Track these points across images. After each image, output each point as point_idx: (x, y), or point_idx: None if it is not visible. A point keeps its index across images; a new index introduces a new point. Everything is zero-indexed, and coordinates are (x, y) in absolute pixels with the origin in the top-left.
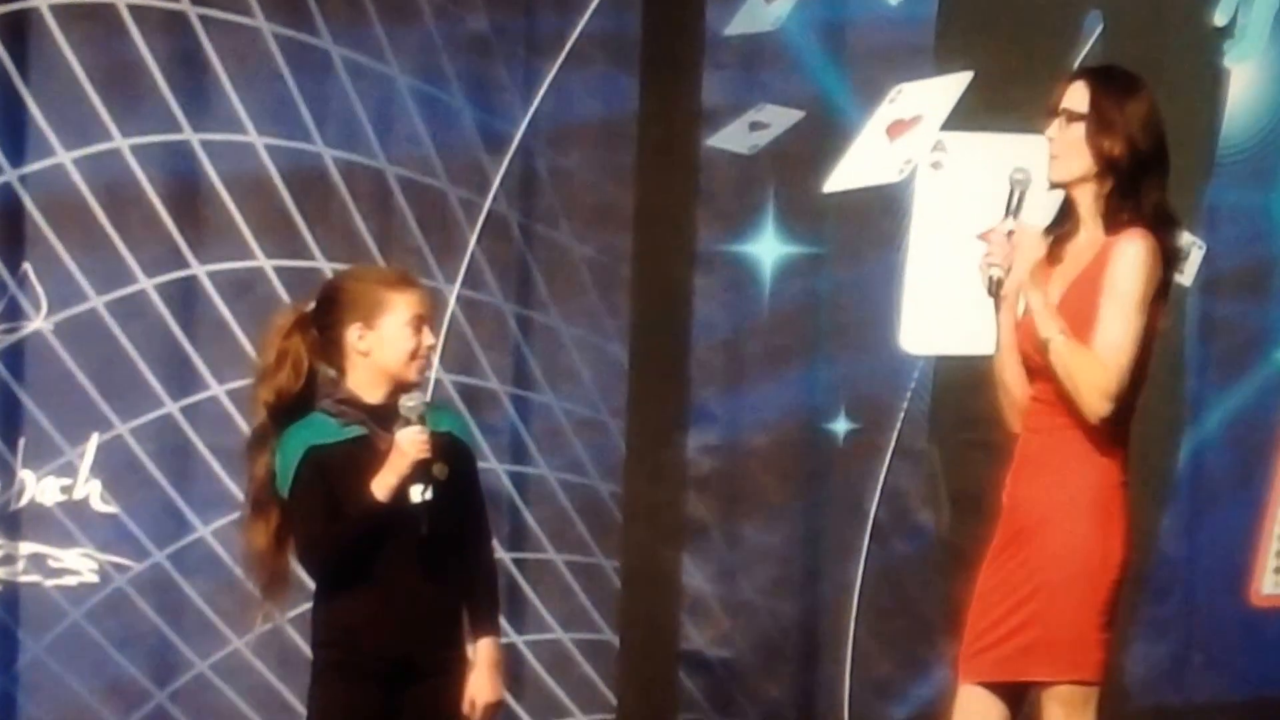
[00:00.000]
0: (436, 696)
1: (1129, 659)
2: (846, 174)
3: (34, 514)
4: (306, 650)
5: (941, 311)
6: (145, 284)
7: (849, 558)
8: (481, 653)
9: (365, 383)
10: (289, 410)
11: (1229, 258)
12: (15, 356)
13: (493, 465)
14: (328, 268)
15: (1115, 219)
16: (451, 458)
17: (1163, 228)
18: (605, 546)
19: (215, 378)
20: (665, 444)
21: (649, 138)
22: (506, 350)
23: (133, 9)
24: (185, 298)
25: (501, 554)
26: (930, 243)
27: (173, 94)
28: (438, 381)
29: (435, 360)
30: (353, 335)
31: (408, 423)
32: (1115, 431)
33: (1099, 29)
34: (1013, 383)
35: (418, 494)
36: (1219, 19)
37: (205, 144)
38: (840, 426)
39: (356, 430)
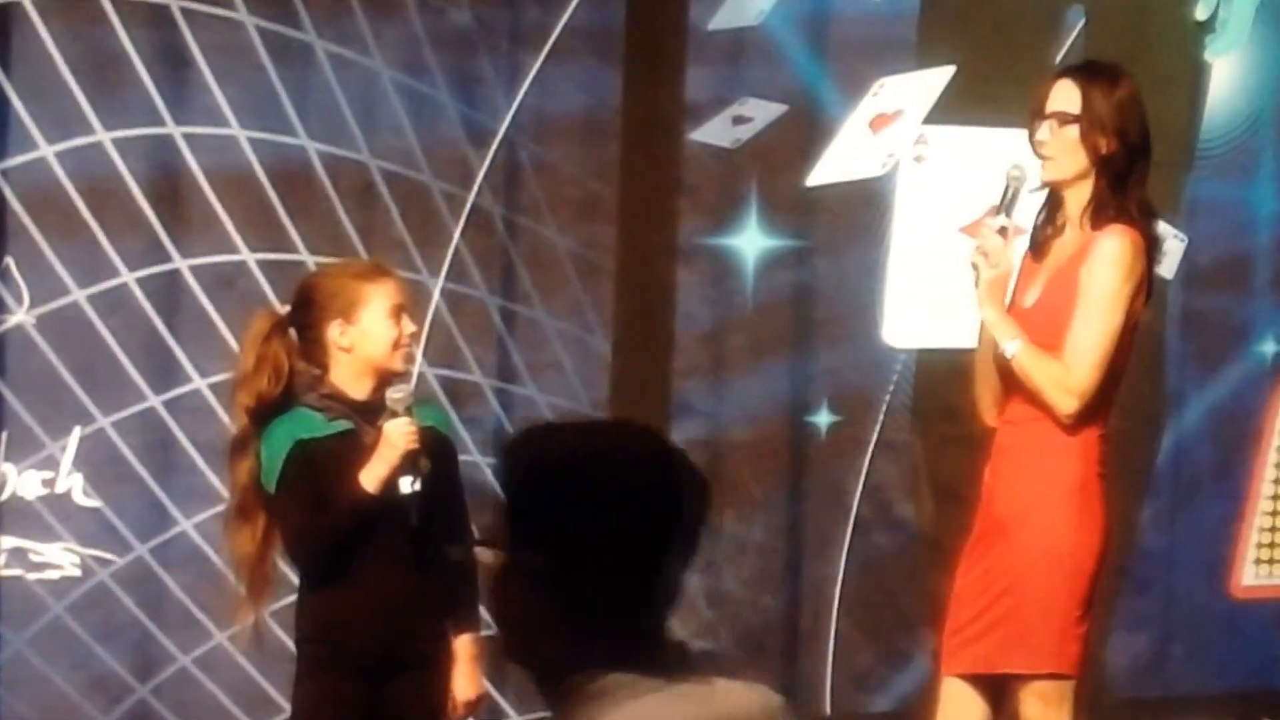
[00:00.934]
0: (421, 689)
1: (1109, 650)
2: (829, 168)
3: (15, 508)
4: (289, 644)
5: (924, 305)
6: (127, 277)
7: (831, 550)
8: (462, 649)
9: (349, 378)
10: (269, 413)
11: (1210, 251)
12: None
13: (475, 458)
14: (311, 261)
15: (1102, 214)
16: (433, 452)
17: (1144, 220)
18: None
19: (198, 371)
20: None
21: (632, 131)
22: (490, 343)
23: (115, 1)
24: (168, 291)
25: None
26: (913, 236)
27: (155, 87)
28: (421, 375)
29: (419, 348)
30: (334, 333)
31: (394, 415)
32: (1092, 423)
33: (1081, 23)
34: (994, 376)
35: (407, 485)
36: (1200, 13)
37: (188, 137)
38: (823, 419)
39: (343, 425)
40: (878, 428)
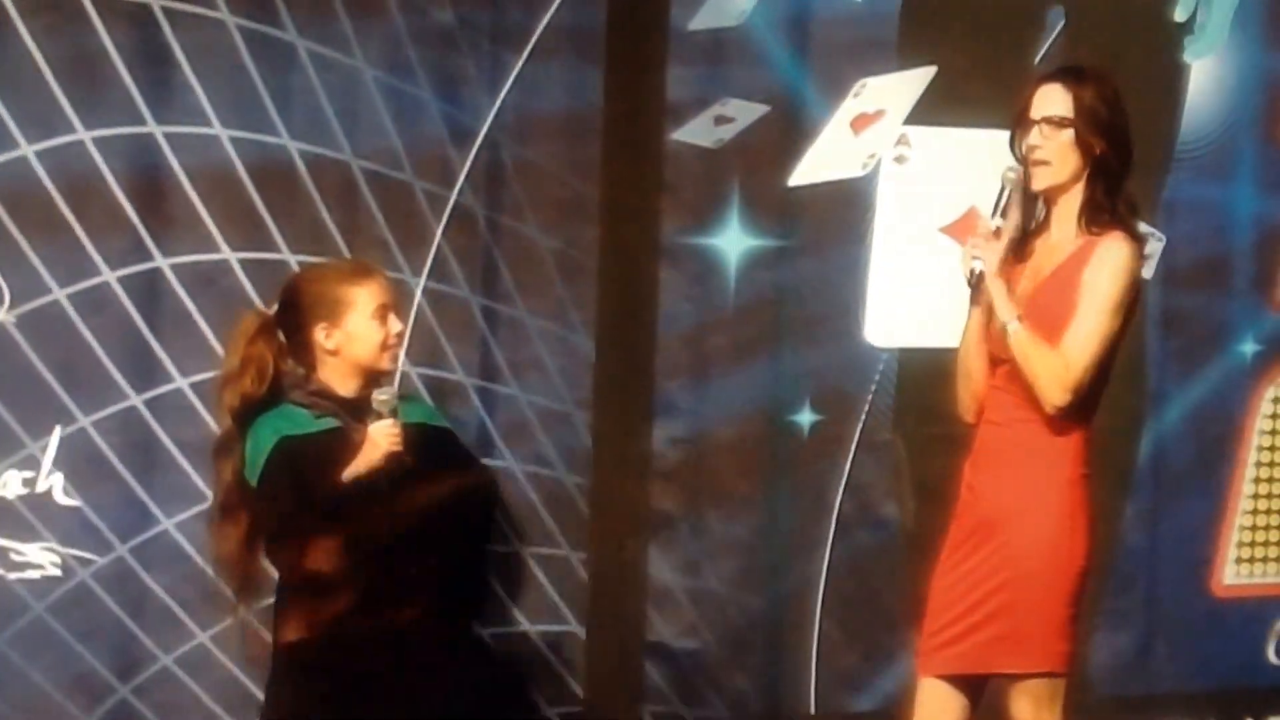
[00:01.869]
0: (400, 690)
1: (1092, 649)
2: (811, 168)
3: None
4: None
5: (906, 304)
6: (109, 276)
7: (814, 549)
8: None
9: (336, 378)
10: (254, 412)
11: (1189, 251)
12: None
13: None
14: (293, 260)
15: (1097, 217)
16: (429, 444)
17: (1133, 220)
18: (571, 539)
19: (179, 370)
20: (631, 436)
21: (614, 131)
22: (472, 343)
23: (96, 0)
24: (149, 290)
25: None
26: (894, 236)
27: (136, 86)
28: (404, 374)
29: (403, 346)
30: (319, 335)
31: (379, 416)
32: (1077, 424)
33: (1061, 24)
34: (976, 373)
35: (388, 486)
36: (1179, 15)
37: (169, 136)
38: (805, 418)
39: (330, 422)
40: (860, 427)
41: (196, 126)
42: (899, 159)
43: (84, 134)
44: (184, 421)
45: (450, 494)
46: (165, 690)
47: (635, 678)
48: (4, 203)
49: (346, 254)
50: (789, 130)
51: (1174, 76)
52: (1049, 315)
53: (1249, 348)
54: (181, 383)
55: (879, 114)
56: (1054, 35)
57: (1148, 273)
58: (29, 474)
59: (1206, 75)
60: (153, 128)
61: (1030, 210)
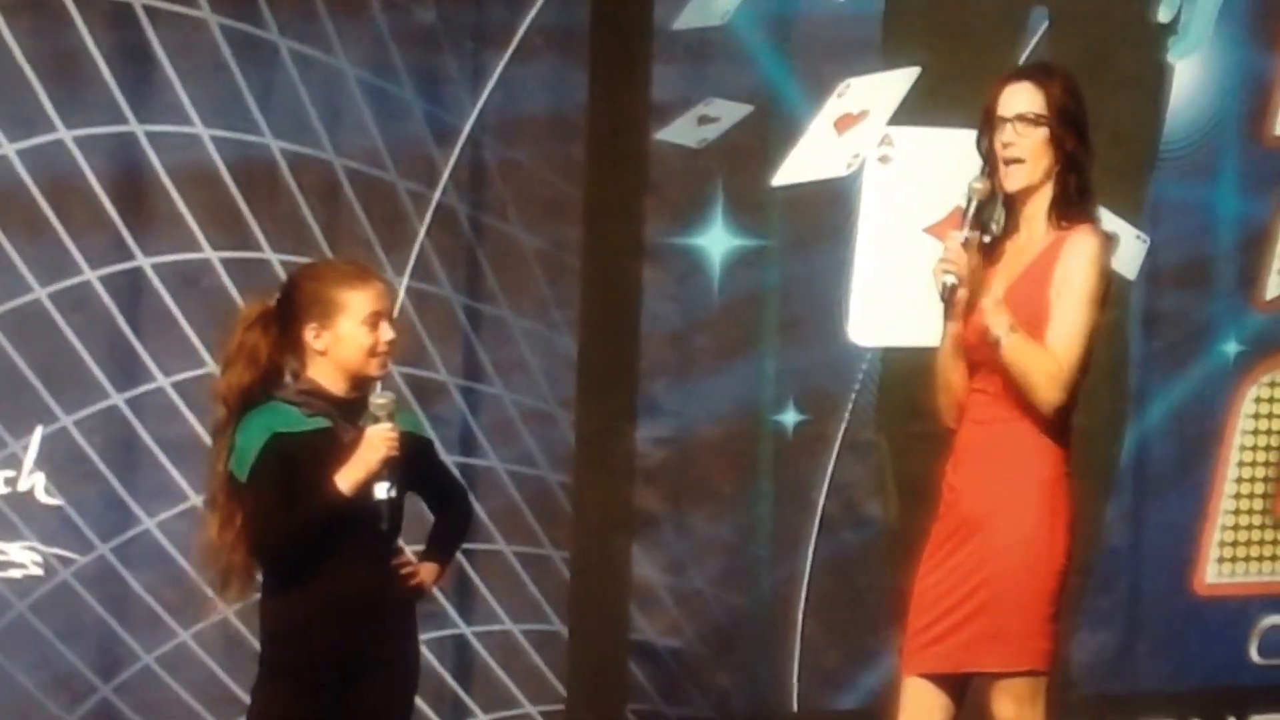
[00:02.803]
0: (385, 689)
1: (1074, 648)
2: (795, 168)
3: None
4: (254, 643)
5: (889, 304)
6: (90, 275)
7: (798, 548)
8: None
9: (326, 378)
10: (246, 402)
11: (1172, 251)
12: None
13: (442, 457)
14: (275, 260)
15: (1067, 212)
16: (413, 454)
17: (1099, 217)
18: (555, 537)
19: (161, 370)
20: (614, 435)
21: (598, 131)
22: (456, 342)
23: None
24: (131, 289)
25: None
26: (878, 236)
27: (118, 85)
28: (388, 375)
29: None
30: (309, 335)
31: (377, 420)
32: (1059, 423)
33: (1044, 25)
34: (955, 381)
35: (382, 491)
36: (1163, 15)
37: (151, 135)
38: (789, 418)
39: (321, 421)
40: (843, 426)
41: (178, 126)
42: (882, 159)
43: (65, 133)
44: (166, 420)
45: None
46: (147, 689)
47: (618, 676)
48: None
49: (329, 253)
50: (773, 130)
51: (1157, 77)
52: (1024, 313)
53: (1232, 348)
54: (163, 382)
55: (863, 114)
56: (1037, 36)
57: (1131, 273)
58: (10, 473)
59: (1190, 75)
60: (134, 127)
61: (994, 212)
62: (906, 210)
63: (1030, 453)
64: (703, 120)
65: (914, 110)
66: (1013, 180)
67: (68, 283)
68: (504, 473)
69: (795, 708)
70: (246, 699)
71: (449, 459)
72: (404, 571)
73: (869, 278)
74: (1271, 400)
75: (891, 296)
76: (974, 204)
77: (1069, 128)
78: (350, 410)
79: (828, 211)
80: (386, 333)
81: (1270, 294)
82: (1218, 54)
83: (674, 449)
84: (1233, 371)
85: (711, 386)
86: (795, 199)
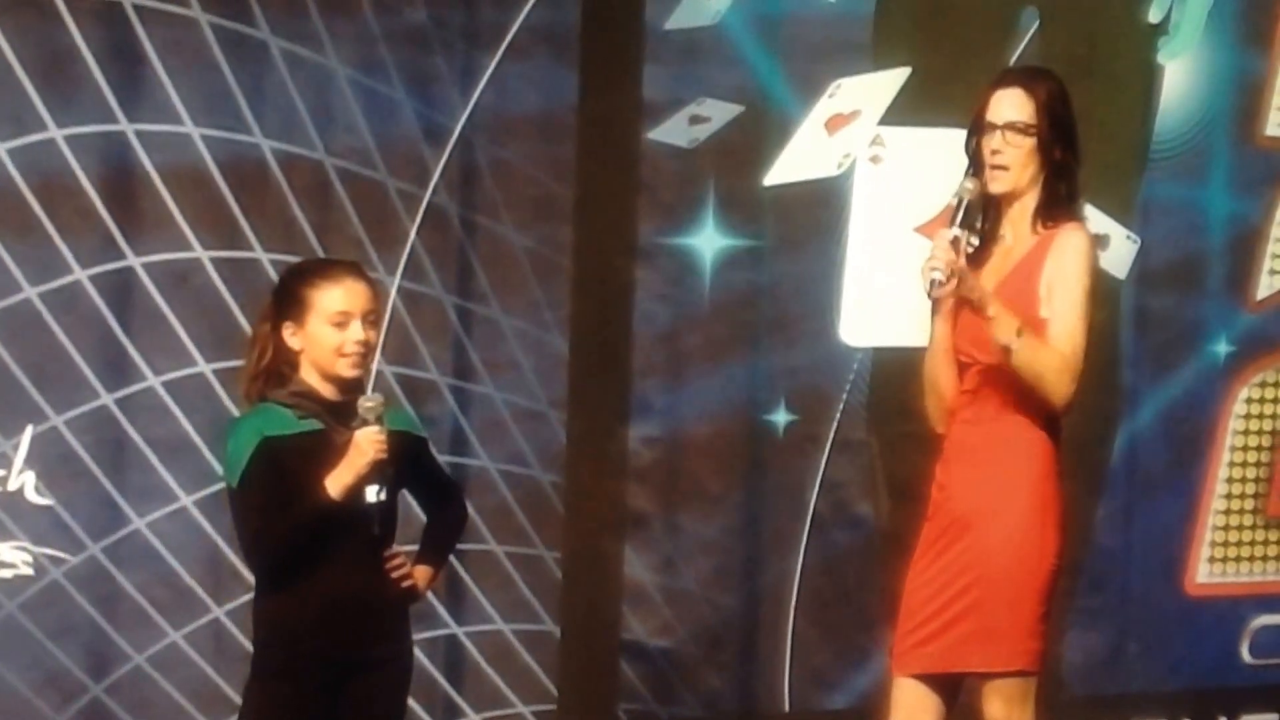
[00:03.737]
0: (377, 690)
1: (1065, 648)
2: (786, 168)
3: None
4: (245, 644)
5: (880, 304)
6: (80, 275)
7: (789, 548)
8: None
9: (313, 379)
10: (264, 392)
11: (1163, 251)
12: None
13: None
14: (266, 259)
15: (1053, 214)
16: (407, 454)
17: (1085, 216)
18: (546, 537)
19: (151, 369)
20: (606, 435)
21: (589, 131)
22: (447, 342)
23: None
24: (121, 289)
25: None
26: (869, 236)
27: (108, 84)
28: (378, 374)
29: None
30: (287, 333)
31: (365, 423)
32: (1050, 423)
33: (1035, 26)
34: (944, 384)
35: (372, 494)
36: (1153, 15)
37: (141, 135)
38: (780, 418)
39: (313, 424)
40: (835, 426)
41: (169, 125)
42: (874, 159)
43: (56, 132)
44: (156, 420)
45: None
46: (137, 689)
47: (610, 676)
48: None
49: (320, 253)
50: (764, 130)
51: (1148, 77)
52: (1013, 311)
53: (1222, 348)
54: (154, 381)
55: (854, 114)
56: (1028, 36)
57: (1122, 273)
58: (0, 472)
59: (1180, 76)
60: (125, 126)
61: (981, 215)
62: (898, 210)
63: (1021, 452)
64: (694, 120)
65: (905, 110)
66: (998, 184)
67: (58, 282)
68: (495, 472)
69: (786, 707)
70: (237, 699)
71: (441, 458)
72: (397, 573)
73: (860, 278)
74: (1262, 400)
75: (882, 297)
76: (964, 203)
77: (1057, 135)
78: (343, 412)
79: (819, 211)
80: (355, 332)
81: (1261, 294)
82: (1208, 54)
83: (665, 449)
84: (1223, 372)
85: (703, 386)
86: (786, 199)
